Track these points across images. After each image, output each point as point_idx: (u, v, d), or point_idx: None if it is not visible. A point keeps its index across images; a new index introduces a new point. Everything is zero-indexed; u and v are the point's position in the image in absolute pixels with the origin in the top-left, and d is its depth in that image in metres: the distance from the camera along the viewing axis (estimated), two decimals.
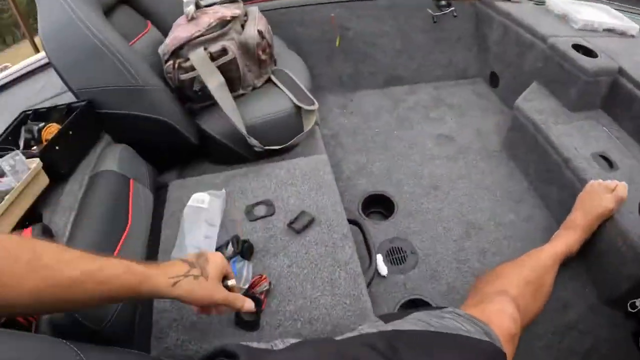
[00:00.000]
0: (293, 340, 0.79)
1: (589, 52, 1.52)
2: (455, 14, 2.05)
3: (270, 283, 0.97)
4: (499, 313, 0.88)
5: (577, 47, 1.53)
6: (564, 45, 1.55)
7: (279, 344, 0.77)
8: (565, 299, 1.23)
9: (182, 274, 0.71)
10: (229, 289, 0.79)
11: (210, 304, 0.75)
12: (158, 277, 0.68)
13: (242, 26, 1.36)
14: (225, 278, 0.79)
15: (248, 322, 0.91)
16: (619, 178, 1.24)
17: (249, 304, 0.79)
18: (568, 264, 1.21)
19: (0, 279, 0.53)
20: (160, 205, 1.24)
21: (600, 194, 1.20)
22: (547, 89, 1.66)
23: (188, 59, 1.28)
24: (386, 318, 0.86)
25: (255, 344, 0.76)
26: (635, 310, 1.12)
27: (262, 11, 1.47)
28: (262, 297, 0.94)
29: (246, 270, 0.98)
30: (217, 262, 0.76)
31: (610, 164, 1.33)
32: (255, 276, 0.98)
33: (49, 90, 1.56)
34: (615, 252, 1.17)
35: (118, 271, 0.64)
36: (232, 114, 1.31)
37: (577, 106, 1.53)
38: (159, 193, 1.30)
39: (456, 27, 2.15)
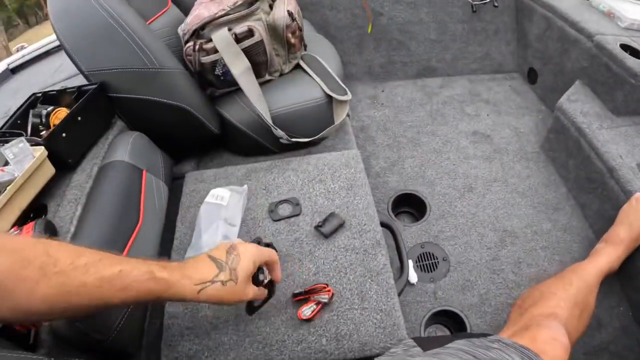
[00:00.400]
0: None
1: (635, 53, 1.42)
2: (496, 3, 1.95)
3: (332, 296, 0.89)
4: (551, 342, 0.81)
5: (625, 48, 1.44)
6: (612, 44, 1.45)
7: None
8: (599, 316, 1.19)
9: (209, 279, 0.67)
10: (261, 282, 0.77)
11: (237, 304, 0.75)
12: (183, 284, 0.65)
13: (271, 6, 1.28)
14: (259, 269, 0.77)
15: (253, 308, 0.84)
16: None
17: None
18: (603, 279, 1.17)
19: (9, 283, 0.51)
20: (175, 199, 1.18)
21: None
22: (591, 90, 1.56)
23: (210, 40, 1.20)
24: (423, 343, 0.80)
25: None
26: None
27: None
28: (318, 307, 0.87)
29: (262, 276, 0.89)
30: (247, 261, 0.72)
31: None
32: (320, 283, 0.90)
33: (65, 72, 1.51)
34: None
35: (140, 277, 0.61)
36: (257, 102, 1.24)
37: (622, 111, 1.45)
38: (175, 185, 1.24)
39: (495, 18, 2.04)
